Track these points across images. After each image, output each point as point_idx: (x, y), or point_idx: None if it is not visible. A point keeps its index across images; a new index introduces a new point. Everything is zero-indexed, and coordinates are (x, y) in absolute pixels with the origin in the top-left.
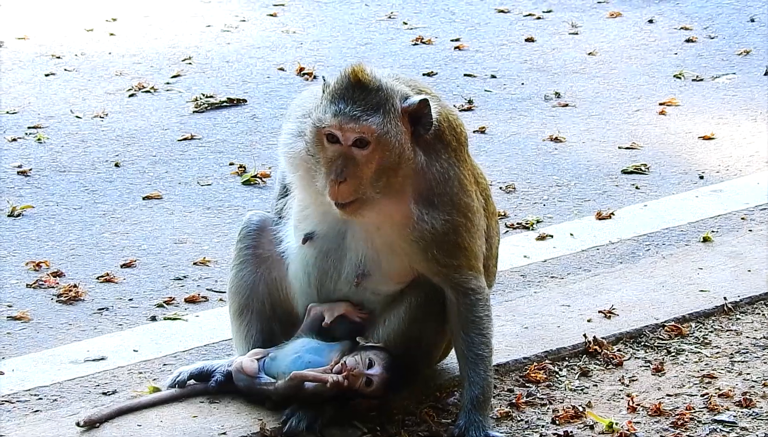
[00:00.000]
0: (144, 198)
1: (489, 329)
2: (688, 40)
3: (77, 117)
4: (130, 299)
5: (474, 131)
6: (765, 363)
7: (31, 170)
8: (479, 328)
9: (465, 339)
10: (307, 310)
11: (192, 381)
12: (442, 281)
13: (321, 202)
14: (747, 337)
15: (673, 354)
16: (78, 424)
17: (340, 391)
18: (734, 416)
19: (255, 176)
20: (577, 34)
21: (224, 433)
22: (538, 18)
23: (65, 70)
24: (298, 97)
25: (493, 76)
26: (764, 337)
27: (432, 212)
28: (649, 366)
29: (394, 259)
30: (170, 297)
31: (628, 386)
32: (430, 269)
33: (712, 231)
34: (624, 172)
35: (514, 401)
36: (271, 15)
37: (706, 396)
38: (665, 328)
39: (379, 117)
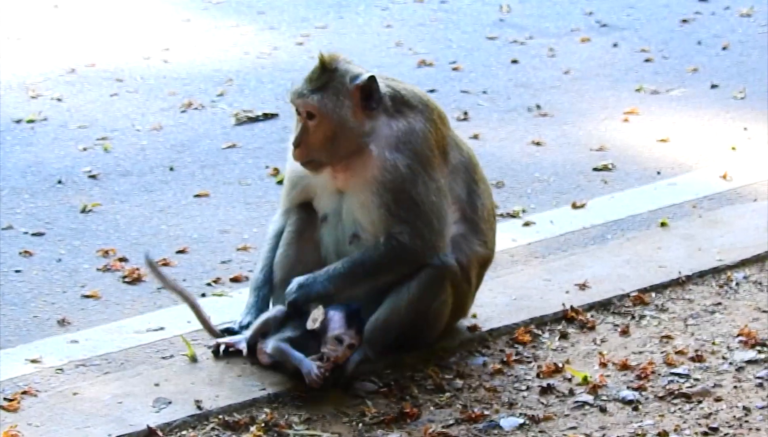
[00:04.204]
0: (194, 196)
1: (379, 266)
2: (646, 60)
3: (137, 130)
4: (184, 280)
5: (469, 137)
6: (713, 325)
7: (99, 173)
8: (369, 255)
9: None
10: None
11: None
12: (382, 230)
13: (324, 187)
14: (698, 304)
15: (636, 318)
16: None
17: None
18: (688, 369)
19: None
20: (554, 56)
21: (264, 389)
22: (522, 43)
23: (127, 91)
24: None
25: (485, 92)
26: (712, 304)
27: (396, 154)
28: (617, 329)
29: (368, 216)
30: (217, 277)
31: (599, 346)
32: (380, 216)
33: (668, 217)
34: (594, 169)
35: (505, 359)
36: (299, 44)
37: (664, 353)
38: (630, 297)
39: (321, 95)
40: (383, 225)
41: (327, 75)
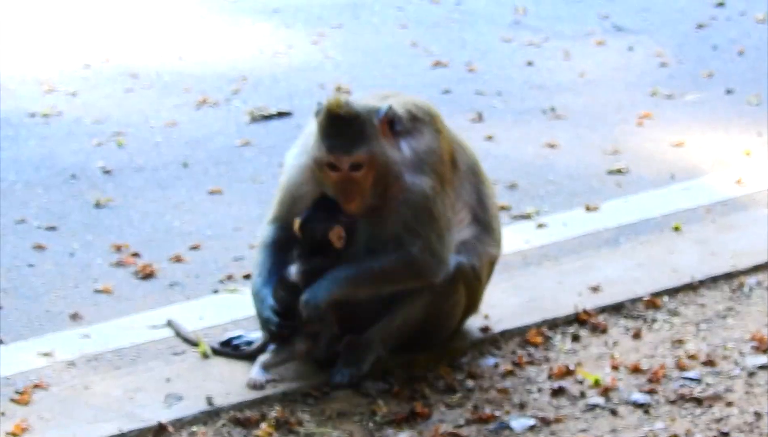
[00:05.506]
0: (208, 193)
1: (387, 274)
2: (661, 64)
3: (151, 126)
4: (197, 276)
5: (483, 139)
6: (725, 330)
7: (113, 169)
8: (382, 262)
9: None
10: None
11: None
12: (395, 242)
13: None
14: (710, 309)
15: (649, 322)
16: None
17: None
18: (700, 373)
19: None
20: (569, 59)
21: (275, 386)
22: (537, 45)
23: (141, 87)
24: (308, 127)
25: (499, 94)
26: (725, 309)
27: (422, 176)
28: (629, 333)
29: (383, 231)
30: (230, 274)
31: (611, 349)
32: (395, 232)
33: (682, 221)
34: (608, 172)
35: (516, 361)
36: (314, 42)
37: (676, 357)
38: (642, 301)
39: (364, 143)
40: (397, 238)
41: (354, 123)
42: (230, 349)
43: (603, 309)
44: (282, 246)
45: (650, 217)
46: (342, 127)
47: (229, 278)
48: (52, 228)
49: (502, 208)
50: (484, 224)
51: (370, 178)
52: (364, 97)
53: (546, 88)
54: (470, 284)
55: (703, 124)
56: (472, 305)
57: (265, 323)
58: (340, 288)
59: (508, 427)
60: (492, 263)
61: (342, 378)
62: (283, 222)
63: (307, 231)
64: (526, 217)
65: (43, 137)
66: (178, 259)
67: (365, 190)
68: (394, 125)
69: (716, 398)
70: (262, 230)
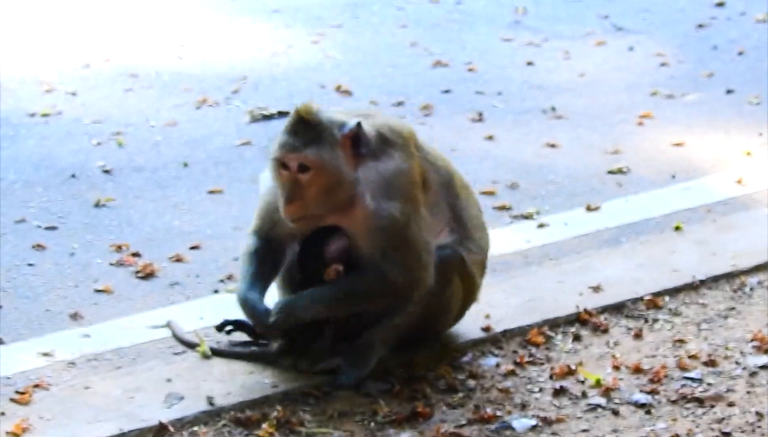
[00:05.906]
0: (208, 192)
1: (365, 295)
2: (662, 64)
3: (151, 125)
4: (197, 276)
5: (484, 139)
6: (726, 330)
7: (112, 168)
8: (361, 284)
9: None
10: None
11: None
12: (370, 264)
13: None
14: (711, 309)
15: (650, 322)
16: None
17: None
18: (701, 374)
19: None
20: (569, 59)
21: (276, 386)
22: (537, 45)
23: (141, 87)
24: None
25: (499, 94)
26: (726, 309)
27: (389, 202)
28: (630, 332)
29: (356, 256)
30: (230, 274)
31: (612, 349)
32: (370, 256)
33: (682, 221)
34: (608, 172)
35: (517, 360)
36: (314, 42)
37: (677, 357)
38: (643, 301)
39: (315, 147)
40: (372, 261)
41: (313, 128)
42: (230, 346)
43: (604, 309)
44: (265, 255)
45: (651, 217)
46: (300, 129)
47: (229, 278)
48: (51, 228)
49: (503, 207)
50: (462, 236)
51: (315, 187)
52: (343, 112)
53: (546, 88)
54: (462, 273)
55: (704, 124)
56: (469, 294)
57: (272, 326)
58: (316, 308)
59: (509, 427)
60: (482, 263)
61: (347, 379)
62: (264, 235)
63: (304, 269)
64: (527, 217)
65: (42, 136)
66: (178, 259)
67: (309, 197)
68: (358, 144)
69: (718, 398)
70: (246, 240)
